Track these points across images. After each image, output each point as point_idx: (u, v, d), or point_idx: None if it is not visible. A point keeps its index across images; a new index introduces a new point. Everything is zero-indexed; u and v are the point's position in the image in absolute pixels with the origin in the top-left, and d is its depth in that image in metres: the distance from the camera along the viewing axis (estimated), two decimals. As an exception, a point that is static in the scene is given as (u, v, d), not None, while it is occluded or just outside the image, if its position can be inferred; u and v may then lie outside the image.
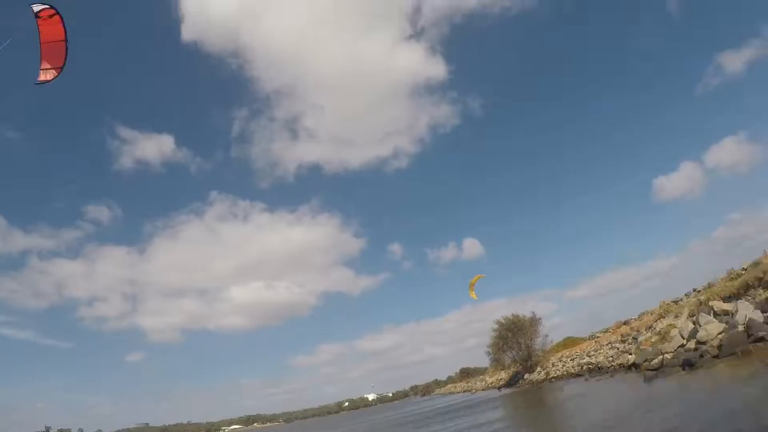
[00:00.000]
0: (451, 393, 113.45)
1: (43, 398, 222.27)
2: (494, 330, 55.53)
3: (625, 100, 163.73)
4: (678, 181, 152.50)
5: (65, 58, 14.18)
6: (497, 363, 59.70)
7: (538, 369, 51.09)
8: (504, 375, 64.15)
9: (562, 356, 50.98)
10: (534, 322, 53.78)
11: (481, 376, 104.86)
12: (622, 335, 38.12)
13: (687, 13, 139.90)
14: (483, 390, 74.30)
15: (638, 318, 42.98)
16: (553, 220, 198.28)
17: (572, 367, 42.24)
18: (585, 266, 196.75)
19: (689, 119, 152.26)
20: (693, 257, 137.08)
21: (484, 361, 75.49)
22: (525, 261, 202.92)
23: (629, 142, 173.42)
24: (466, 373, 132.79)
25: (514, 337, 53.85)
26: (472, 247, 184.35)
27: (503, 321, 55.08)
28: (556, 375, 44.83)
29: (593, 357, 39.10)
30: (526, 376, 52.66)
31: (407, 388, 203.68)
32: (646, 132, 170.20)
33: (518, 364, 56.30)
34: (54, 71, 14.31)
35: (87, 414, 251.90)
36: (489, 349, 57.29)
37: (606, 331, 48.94)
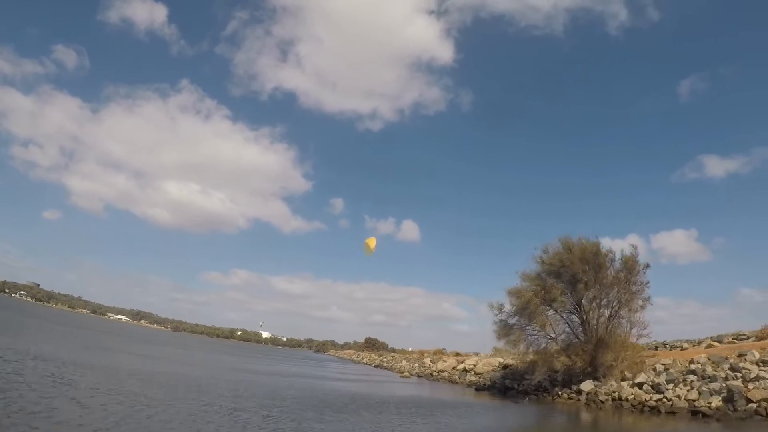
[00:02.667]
0: (353, 361, 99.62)
1: None
2: (536, 263, 30.28)
3: (603, 153, 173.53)
4: (618, 247, 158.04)
5: None
6: (511, 335, 29.93)
7: (617, 370, 26.63)
8: (508, 360, 39.54)
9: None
10: (631, 263, 27.95)
11: (407, 355, 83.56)
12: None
13: (693, 105, 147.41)
14: (418, 377, 49.60)
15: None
16: (495, 235, 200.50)
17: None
18: (505, 284, 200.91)
19: (654, 198, 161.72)
20: None
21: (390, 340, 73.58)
22: (454, 261, 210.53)
23: (592, 191, 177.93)
24: (372, 345, 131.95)
25: (575, 289, 28.56)
26: (410, 229, 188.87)
27: (561, 244, 29.53)
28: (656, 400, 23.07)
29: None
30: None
31: (302, 339, 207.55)
32: (610, 191, 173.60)
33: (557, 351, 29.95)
34: None
35: None
36: (510, 304, 30.21)
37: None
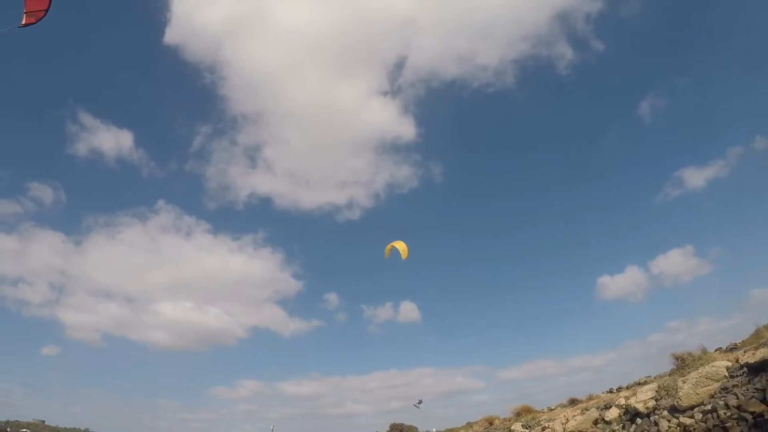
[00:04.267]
0: None
1: None
2: None
3: (584, 196, 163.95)
4: (622, 283, 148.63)
5: (49, 4, 16.34)
6: None
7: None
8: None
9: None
10: None
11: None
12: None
13: (658, 123, 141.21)
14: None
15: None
16: (494, 300, 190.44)
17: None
18: (519, 349, 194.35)
19: (642, 225, 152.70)
20: (626, 356, 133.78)
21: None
22: (460, 334, 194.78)
23: (581, 237, 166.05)
24: (398, 430, 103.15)
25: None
26: (409, 310, 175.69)
27: None
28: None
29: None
30: None
31: None
32: (599, 230, 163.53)
33: None
34: (38, 13, 16.48)
35: None
36: None
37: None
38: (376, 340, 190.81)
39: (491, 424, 43.10)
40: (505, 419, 42.42)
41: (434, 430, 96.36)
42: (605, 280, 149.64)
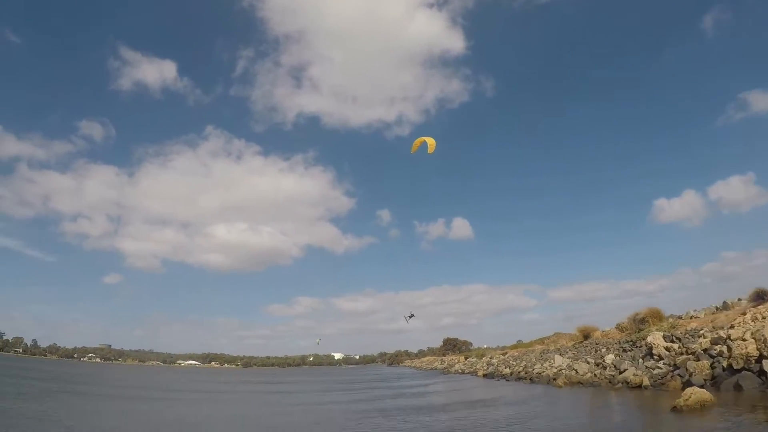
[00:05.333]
0: (440, 371, 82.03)
1: (20, 308, 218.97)
2: None
3: (641, 113, 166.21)
4: (678, 207, 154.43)
5: None
6: None
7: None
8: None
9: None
10: None
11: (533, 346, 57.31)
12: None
13: (722, 39, 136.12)
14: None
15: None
16: (549, 218, 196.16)
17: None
18: (571, 270, 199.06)
19: (702, 148, 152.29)
20: (679, 283, 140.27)
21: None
22: (513, 253, 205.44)
23: (638, 155, 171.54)
24: (452, 346, 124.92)
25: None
26: (461, 227, 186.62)
27: None
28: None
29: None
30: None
31: (375, 354, 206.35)
32: (657, 149, 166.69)
33: None
34: None
35: (57, 328, 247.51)
36: None
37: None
38: (428, 256, 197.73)
39: (586, 337, 38.81)
40: (605, 332, 37.58)
41: (485, 346, 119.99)
42: (661, 203, 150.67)
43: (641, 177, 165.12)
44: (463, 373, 65.23)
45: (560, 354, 37.67)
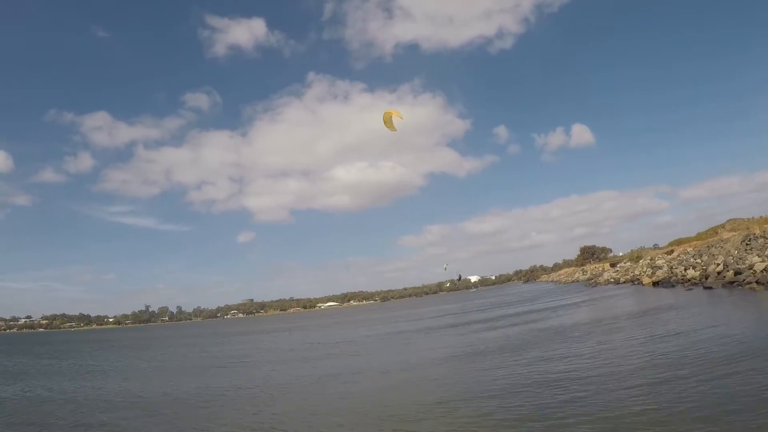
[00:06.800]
0: (588, 283, 70.10)
1: (164, 279, 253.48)
2: None
3: None
4: None
5: None
6: None
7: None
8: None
9: None
10: None
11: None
12: None
13: None
14: None
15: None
16: (671, 112, 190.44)
17: None
18: (701, 165, 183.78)
19: None
20: None
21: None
22: (638, 153, 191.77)
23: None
24: (590, 254, 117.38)
25: None
26: (581, 133, 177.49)
27: None
28: None
29: None
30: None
31: (511, 272, 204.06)
32: None
33: None
34: None
35: (201, 292, 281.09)
36: None
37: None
38: (551, 168, 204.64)
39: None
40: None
41: (622, 253, 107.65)
42: None
43: None
44: (617, 283, 55.35)
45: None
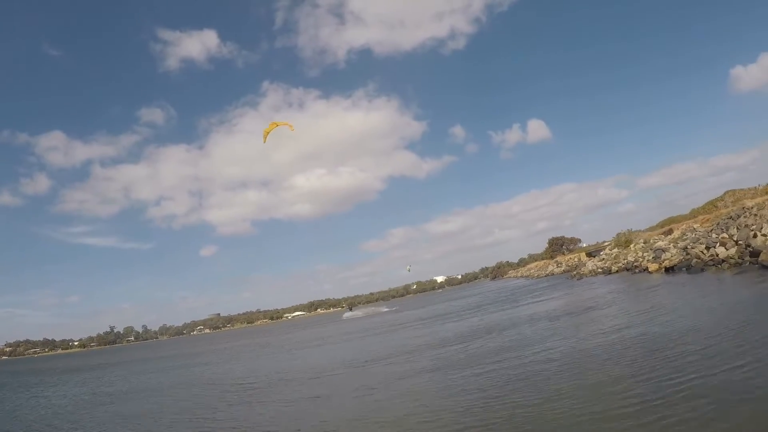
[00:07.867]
0: (564, 275, 69.33)
1: (129, 298, 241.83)
2: None
3: None
4: (756, 73, 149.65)
5: None
6: None
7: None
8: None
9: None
10: None
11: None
12: None
13: None
14: None
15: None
16: (625, 104, 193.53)
17: None
18: (658, 153, 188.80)
19: None
20: None
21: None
22: (595, 145, 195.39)
23: (709, 27, 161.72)
24: (558, 246, 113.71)
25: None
26: (537, 128, 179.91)
27: None
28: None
29: None
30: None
31: (477, 270, 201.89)
32: (727, 18, 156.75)
33: None
34: None
35: (167, 309, 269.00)
36: None
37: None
38: (510, 165, 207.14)
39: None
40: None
41: (588, 243, 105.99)
42: (738, 71, 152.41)
43: (713, 46, 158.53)
44: (608, 272, 48.95)
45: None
